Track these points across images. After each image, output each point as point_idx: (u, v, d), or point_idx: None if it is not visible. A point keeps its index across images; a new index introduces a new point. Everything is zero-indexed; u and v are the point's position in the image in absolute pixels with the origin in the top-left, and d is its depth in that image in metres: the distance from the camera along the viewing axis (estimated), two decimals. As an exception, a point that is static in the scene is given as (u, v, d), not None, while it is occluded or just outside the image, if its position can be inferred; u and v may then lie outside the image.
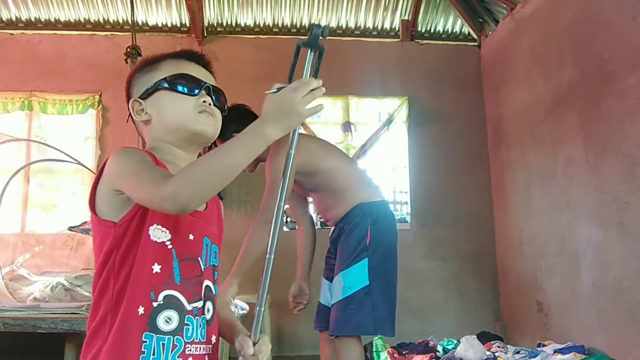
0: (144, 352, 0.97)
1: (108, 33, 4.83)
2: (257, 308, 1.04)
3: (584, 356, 3.17)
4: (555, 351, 3.31)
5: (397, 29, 5.12)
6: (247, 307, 3.47)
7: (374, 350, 3.66)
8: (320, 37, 1.04)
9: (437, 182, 4.82)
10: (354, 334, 2.17)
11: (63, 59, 4.70)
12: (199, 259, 1.08)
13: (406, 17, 5.07)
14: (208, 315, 1.08)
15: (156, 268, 1.01)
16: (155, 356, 0.98)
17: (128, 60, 3.83)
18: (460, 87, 5.01)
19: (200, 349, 1.05)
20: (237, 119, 2.02)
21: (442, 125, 4.91)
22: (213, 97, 1.15)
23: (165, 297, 1.01)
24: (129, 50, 3.86)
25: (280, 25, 5.03)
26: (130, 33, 4.11)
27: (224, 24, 4.98)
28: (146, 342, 0.98)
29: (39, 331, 2.23)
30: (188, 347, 1.02)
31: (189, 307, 1.04)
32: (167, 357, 0.99)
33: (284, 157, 1.07)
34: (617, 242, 3.18)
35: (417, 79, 4.98)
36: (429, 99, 4.95)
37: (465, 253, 4.71)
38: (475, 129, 4.97)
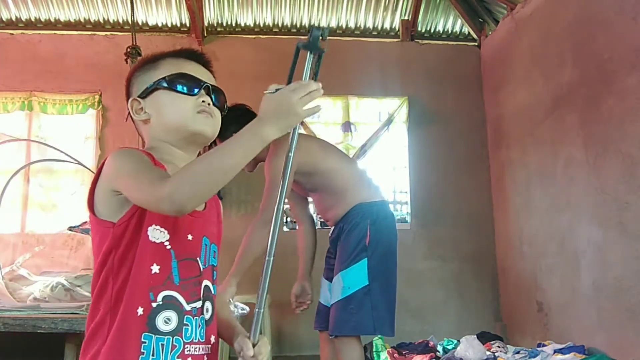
0: (143, 353, 0.97)
1: (108, 33, 4.83)
2: (257, 310, 1.04)
3: (584, 356, 3.17)
4: (555, 351, 3.31)
5: (397, 29, 5.12)
6: (247, 308, 3.47)
7: (374, 350, 3.66)
8: (320, 39, 1.04)
9: (437, 182, 4.82)
10: (353, 334, 2.17)
11: (63, 59, 4.70)
12: (198, 259, 1.08)
13: (406, 17, 5.07)
14: (207, 315, 1.08)
15: (155, 269, 1.01)
16: (155, 357, 0.98)
17: (128, 60, 3.83)
18: (460, 87, 5.01)
19: (199, 349, 1.05)
20: (237, 118, 2.01)
21: (442, 125, 4.91)
22: (212, 97, 1.15)
23: (164, 297, 1.01)
24: (129, 50, 3.86)
25: (280, 25, 5.03)
26: (130, 33, 4.11)
27: (224, 24, 4.98)
28: (145, 342, 0.98)
29: (39, 331, 2.23)
30: (187, 347, 1.02)
31: (187, 307, 1.04)
32: (167, 358, 0.99)
33: (284, 157, 1.07)
34: (617, 242, 3.18)
35: (417, 79, 4.98)
36: (429, 99, 4.95)
37: (465, 253, 4.71)
38: (475, 129, 4.97)
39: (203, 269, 1.09)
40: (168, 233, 1.03)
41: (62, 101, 4.61)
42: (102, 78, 4.61)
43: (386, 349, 3.66)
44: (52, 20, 4.80)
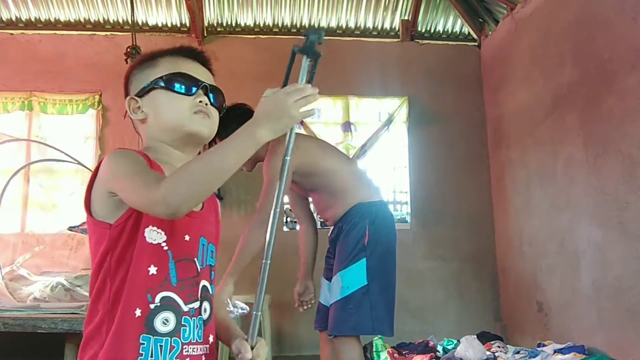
0: (141, 354, 0.97)
1: (108, 33, 4.83)
2: (254, 312, 1.04)
3: (584, 356, 3.16)
4: (555, 351, 3.31)
5: (397, 29, 5.12)
6: (247, 307, 3.47)
7: (374, 350, 3.66)
8: (317, 43, 1.03)
9: (437, 182, 4.82)
10: (352, 333, 2.17)
11: (63, 59, 4.70)
12: (195, 259, 1.08)
13: (406, 17, 5.06)
14: (205, 316, 1.08)
15: (152, 270, 1.01)
16: (153, 358, 0.98)
17: (128, 60, 3.84)
18: (460, 87, 5.01)
19: (197, 349, 1.05)
20: (237, 118, 2.00)
21: (442, 125, 4.91)
22: (210, 96, 1.14)
23: (162, 298, 1.01)
24: (129, 50, 3.87)
25: (280, 25, 5.03)
26: (130, 33, 4.12)
27: (224, 24, 4.98)
28: (144, 344, 0.97)
29: (39, 331, 2.23)
30: (185, 348, 1.02)
31: (185, 308, 1.03)
32: (165, 359, 0.99)
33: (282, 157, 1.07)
34: (617, 242, 3.18)
35: (417, 79, 4.98)
36: (429, 99, 4.95)
37: (465, 253, 4.71)
38: (475, 129, 4.97)
39: (200, 269, 1.08)
40: (165, 234, 1.03)
41: (62, 101, 4.61)
42: (102, 78, 4.61)
43: (386, 349, 3.66)
44: (52, 20, 4.80)
